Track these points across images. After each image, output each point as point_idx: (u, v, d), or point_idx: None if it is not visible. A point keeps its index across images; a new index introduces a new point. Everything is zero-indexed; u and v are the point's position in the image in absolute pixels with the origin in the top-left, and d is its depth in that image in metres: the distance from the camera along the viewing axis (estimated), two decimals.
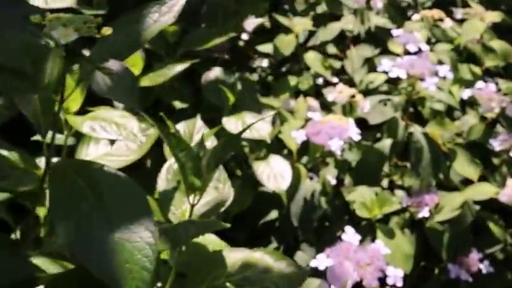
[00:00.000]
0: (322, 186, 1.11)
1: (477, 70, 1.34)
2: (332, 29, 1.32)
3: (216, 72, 0.98)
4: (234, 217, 1.13)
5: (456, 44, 1.35)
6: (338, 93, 1.15)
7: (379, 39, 1.44)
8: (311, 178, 1.17)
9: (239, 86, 0.99)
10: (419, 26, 1.31)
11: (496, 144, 1.11)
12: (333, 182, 1.17)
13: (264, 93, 1.31)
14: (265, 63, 1.37)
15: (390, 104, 1.09)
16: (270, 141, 0.93)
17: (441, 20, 1.32)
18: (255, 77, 1.42)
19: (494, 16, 1.30)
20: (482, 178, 1.13)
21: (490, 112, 1.18)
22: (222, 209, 0.62)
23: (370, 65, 1.40)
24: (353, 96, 1.16)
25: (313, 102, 1.19)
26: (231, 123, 0.92)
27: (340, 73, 1.41)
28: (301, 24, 1.22)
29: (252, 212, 1.12)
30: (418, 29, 1.31)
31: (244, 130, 0.56)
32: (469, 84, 1.31)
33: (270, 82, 1.33)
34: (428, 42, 1.50)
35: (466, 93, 1.26)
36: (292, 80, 1.27)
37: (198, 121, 0.75)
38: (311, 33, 1.39)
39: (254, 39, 1.45)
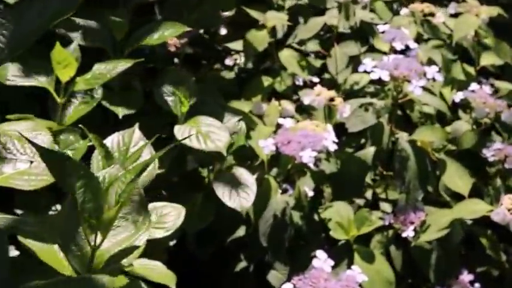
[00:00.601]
0: (296, 199, 1.00)
1: (471, 70, 1.23)
2: (313, 25, 1.20)
3: (170, 73, 0.87)
4: (198, 234, 1.02)
5: (448, 42, 1.23)
6: (315, 95, 1.04)
7: (366, 35, 1.32)
8: (285, 190, 1.05)
9: (199, 88, 0.88)
10: (408, 21, 1.20)
11: (490, 154, 1.00)
12: (311, 193, 1.06)
13: (238, 94, 1.20)
14: (240, 60, 1.26)
15: (373, 108, 0.97)
16: (226, 153, 0.81)
17: (432, 14, 1.20)
18: (231, 75, 1.30)
19: (490, 11, 1.18)
20: (475, 190, 1.02)
21: (485, 117, 1.06)
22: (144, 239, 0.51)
23: (356, 64, 1.28)
24: (332, 99, 1.04)
25: (288, 105, 1.08)
26: (184, 132, 0.80)
27: (324, 73, 1.30)
28: (275, 19, 1.10)
29: (217, 228, 1.00)
30: (407, 24, 1.19)
31: (169, 148, 0.45)
32: (462, 85, 1.19)
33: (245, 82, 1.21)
34: (419, 39, 1.38)
35: (458, 96, 1.15)
36: (267, 80, 1.16)
37: (136, 132, 0.63)
38: (292, 29, 1.27)
39: (232, 34, 1.34)
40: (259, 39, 1.08)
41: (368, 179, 1.11)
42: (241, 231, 1.00)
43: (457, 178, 0.98)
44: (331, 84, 1.20)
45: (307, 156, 0.87)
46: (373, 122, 0.97)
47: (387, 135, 1.06)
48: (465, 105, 1.21)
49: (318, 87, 1.05)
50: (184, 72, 0.88)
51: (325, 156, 1.01)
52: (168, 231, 0.66)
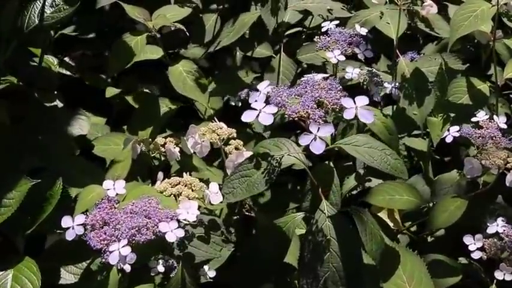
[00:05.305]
0: None
1: (484, 87, 0.79)
2: (240, 24, 0.82)
3: None
4: None
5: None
6: (201, 136, 0.67)
7: None
8: (170, 269, 0.70)
9: None
10: (380, 11, 0.78)
11: (475, 247, 0.58)
12: (212, 274, 0.70)
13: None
14: None
15: (269, 162, 0.59)
16: None
17: (413, 1, 0.77)
18: None
19: None
20: None
21: (478, 177, 0.64)
22: None
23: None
24: (226, 143, 0.67)
25: (172, 146, 0.71)
26: None
27: None
28: (162, 18, 0.73)
29: None
30: (375, 19, 0.77)
31: None
32: (464, 113, 0.77)
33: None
34: (415, 37, 0.96)
35: (451, 133, 0.73)
36: (165, 105, 0.80)
37: None
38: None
39: None
40: (130, 48, 0.72)
41: None
42: None
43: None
44: None
45: (114, 256, 0.51)
46: (259, 190, 0.58)
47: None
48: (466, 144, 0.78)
49: (212, 124, 0.68)
50: None
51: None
52: None
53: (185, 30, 0.86)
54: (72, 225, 0.55)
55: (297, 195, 0.84)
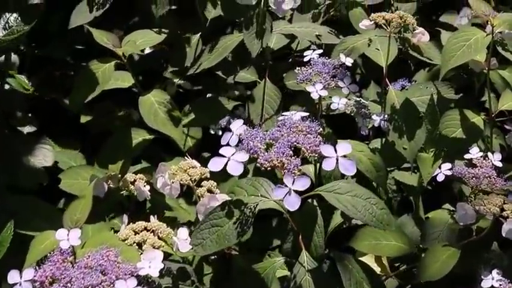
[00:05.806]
0: None
1: (478, 119, 0.74)
2: (223, 47, 0.77)
3: None
4: None
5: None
6: (171, 176, 0.61)
7: None
8: None
9: None
10: (369, 38, 0.73)
11: None
12: None
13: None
14: None
15: (240, 210, 0.53)
16: None
17: (405, 27, 0.71)
18: None
19: (508, 21, 0.68)
20: None
21: (471, 224, 0.59)
22: None
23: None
24: (199, 184, 0.61)
25: (141, 184, 0.66)
26: None
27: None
28: (131, 45, 0.68)
29: None
30: (362, 46, 0.72)
31: None
32: (457, 148, 0.72)
33: None
34: (405, 65, 0.91)
35: (444, 170, 0.67)
36: (138, 135, 0.75)
37: None
38: None
39: None
40: (96, 77, 0.67)
41: None
42: None
43: None
44: None
45: None
46: (231, 243, 0.53)
47: None
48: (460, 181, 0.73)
49: (183, 162, 0.62)
50: None
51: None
52: None
53: (167, 49, 0.82)
54: (20, 281, 0.50)
55: (282, 231, 0.79)
